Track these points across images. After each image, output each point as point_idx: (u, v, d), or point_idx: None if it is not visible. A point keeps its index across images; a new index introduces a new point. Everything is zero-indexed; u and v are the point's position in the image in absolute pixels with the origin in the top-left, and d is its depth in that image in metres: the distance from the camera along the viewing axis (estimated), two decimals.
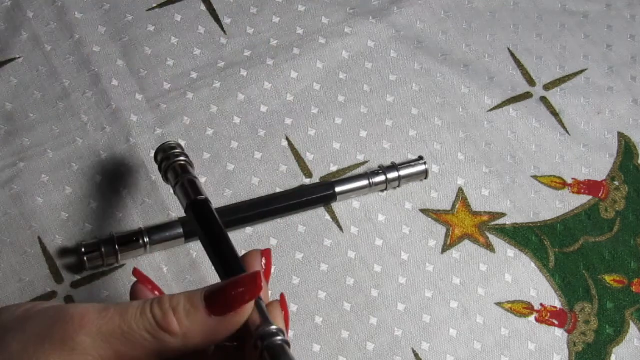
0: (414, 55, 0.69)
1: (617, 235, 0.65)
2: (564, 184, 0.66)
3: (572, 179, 0.67)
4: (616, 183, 0.67)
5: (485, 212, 0.65)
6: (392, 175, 0.63)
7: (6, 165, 0.61)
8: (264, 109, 0.65)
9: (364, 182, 0.63)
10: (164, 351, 0.42)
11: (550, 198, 0.66)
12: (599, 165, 0.67)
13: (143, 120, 0.63)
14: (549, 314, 0.62)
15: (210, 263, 0.49)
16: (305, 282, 0.60)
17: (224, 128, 0.64)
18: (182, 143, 0.63)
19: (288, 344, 0.42)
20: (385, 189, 0.64)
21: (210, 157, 0.63)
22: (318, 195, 0.62)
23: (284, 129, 0.65)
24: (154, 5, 0.68)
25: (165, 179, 0.56)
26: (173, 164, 0.55)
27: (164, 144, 0.57)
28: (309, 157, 0.64)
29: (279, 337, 0.42)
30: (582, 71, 0.71)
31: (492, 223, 0.64)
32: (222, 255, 0.48)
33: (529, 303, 0.62)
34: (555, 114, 0.69)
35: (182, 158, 0.56)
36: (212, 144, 0.63)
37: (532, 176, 0.66)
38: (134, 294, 0.48)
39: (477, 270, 0.63)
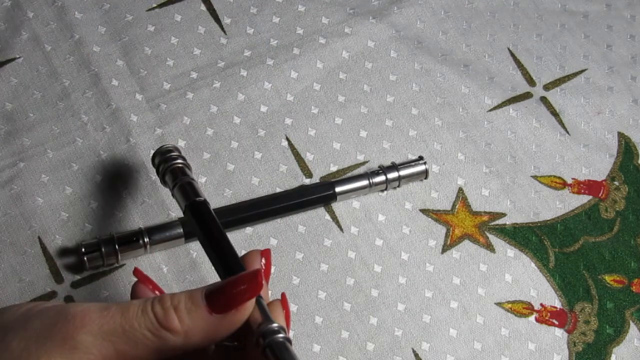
0: (414, 55, 0.69)
1: (617, 235, 0.65)
2: (564, 184, 0.66)
3: (572, 179, 0.67)
4: (616, 183, 0.67)
5: (485, 212, 0.65)
6: (392, 175, 0.63)
7: (6, 165, 0.61)
8: (264, 109, 0.65)
9: (364, 182, 0.63)
10: (165, 349, 0.42)
11: (550, 198, 0.66)
12: (599, 165, 0.67)
13: (143, 120, 0.63)
14: (549, 314, 0.62)
15: (210, 263, 0.49)
16: (305, 282, 0.60)
17: (224, 128, 0.64)
18: (182, 143, 0.63)
19: (290, 341, 0.42)
20: (385, 189, 0.64)
21: (210, 157, 0.63)
22: (318, 195, 0.62)
23: (284, 129, 0.65)
24: (154, 5, 0.68)
25: (163, 182, 0.56)
26: (170, 167, 0.55)
27: (160, 147, 0.57)
28: (309, 157, 0.64)
29: (281, 335, 0.42)
30: (582, 71, 0.71)
31: (492, 223, 0.64)
32: (222, 255, 0.48)
33: (529, 303, 0.62)
34: (555, 114, 0.69)
35: (179, 161, 0.55)
36: (212, 144, 0.63)
37: (532, 176, 0.66)
38: (135, 294, 0.48)
39: (477, 270, 0.63)
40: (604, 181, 0.67)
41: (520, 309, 0.62)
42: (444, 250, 0.63)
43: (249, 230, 0.61)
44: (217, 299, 0.43)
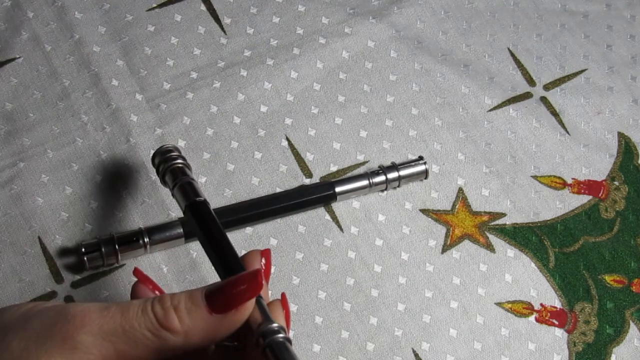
0: (414, 55, 0.69)
1: (617, 235, 0.65)
2: (564, 184, 0.66)
3: (572, 179, 0.67)
4: (616, 183, 0.67)
5: (485, 212, 0.65)
6: (392, 175, 0.63)
7: (6, 165, 0.61)
8: (264, 109, 0.65)
9: (364, 182, 0.63)
10: (165, 349, 0.42)
11: (550, 198, 0.66)
12: (599, 165, 0.67)
13: (143, 120, 0.63)
14: (549, 314, 0.62)
15: (210, 263, 0.49)
16: (305, 282, 0.60)
17: (224, 128, 0.64)
18: (182, 143, 0.63)
19: (290, 341, 0.42)
20: (385, 189, 0.64)
21: (210, 157, 0.63)
22: (318, 195, 0.62)
23: (284, 129, 0.65)
24: (154, 5, 0.68)
25: (163, 182, 0.56)
26: (170, 167, 0.55)
27: (160, 147, 0.57)
28: (309, 157, 0.64)
29: (281, 335, 0.42)
30: (582, 71, 0.71)
31: (492, 223, 0.64)
32: (222, 255, 0.48)
33: (529, 303, 0.62)
34: (555, 114, 0.69)
35: (179, 161, 0.55)
36: (212, 144, 0.63)
37: (532, 176, 0.66)
38: (135, 294, 0.48)
39: (477, 270, 0.63)
40: (604, 181, 0.67)
41: (520, 309, 0.62)
42: (444, 250, 0.63)
43: (249, 230, 0.61)
44: (217, 299, 0.43)
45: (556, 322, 0.62)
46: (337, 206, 0.63)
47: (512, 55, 0.71)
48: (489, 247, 0.63)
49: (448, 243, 0.63)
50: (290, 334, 0.48)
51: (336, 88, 0.67)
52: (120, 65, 0.65)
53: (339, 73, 0.67)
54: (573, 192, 0.66)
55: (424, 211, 0.64)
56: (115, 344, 0.41)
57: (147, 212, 0.61)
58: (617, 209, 0.66)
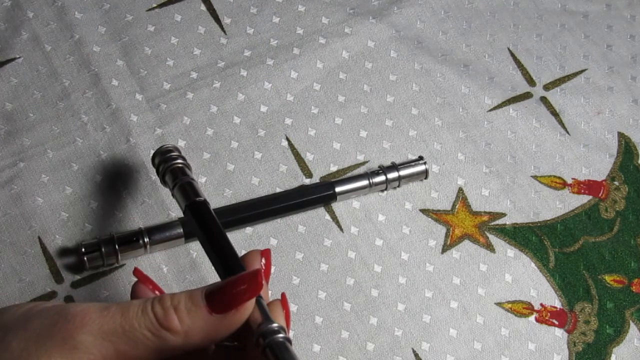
0: (414, 55, 0.69)
1: (617, 235, 0.65)
2: (564, 184, 0.66)
3: (572, 179, 0.67)
4: (616, 183, 0.67)
5: (485, 212, 0.65)
6: (392, 175, 0.63)
7: (6, 165, 0.61)
8: (264, 109, 0.65)
9: (364, 182, 0.63)
10: (165, 349, 0.42)
11: (550, 198, 0.66)
12: (599, 165, 0.67)
13: (143, 120, 0.63)
14: (549, 314, 0.62)
15: (210, 263, 0.49)
16: (305, 282, 0.60)
17: (224, 128, 0.64)
18: (182, 143, 0.63)
19: (290, 341, 0.42)
20: (385, 189, 0.64)
21: (210, 157, 0.63)
22: (318, 195, 0.62)
23: (284, 129, 0.65)
24: (154, 5, 0.68)
25: (163, 182, 0.56)
26: (170, 167, 0.55)
27: (160, 147, 0.57)
28: (309, 157, 0.64)
29: (281, 335, 0.42)
30: (582, 71, 0.71)
31: (492, 223, 0.64)
32: (222, 255, 0.48)
33: (529, 303, 0.62)
34: (555, 114, 0.69)
35: (179, 161, 0.55)
36: (212, 144, 0.63)
37: (532, 176, 0.66)
38: (135, 294, 0.48)
39: (477, 270, 0.63)
40: (604, 181, 0.67)
41: (520, 309, 0.62)
42: (444, 250, 0.63)
43: (249, 230, 0.61)
44: (217, 299, 0.43)
45: (556, 322, 0.62)
46: (337, 206, 0.63)
47: (512, 55, 0.71)
48: (489, 247, 0.63)
49: (448, 243, 0.63)
50: (290, 334, 0.48)
51: (336, 88, 0.67)
52: (120, 65, 0.65)
53: (339, 73, 0.67)
54: (573, 192, 0.66)
55: (424, 211, 0.64)
56: (115, 344, 0.41)
57: (147, 212, 0.61)
58: (617, 209, 0.66)
